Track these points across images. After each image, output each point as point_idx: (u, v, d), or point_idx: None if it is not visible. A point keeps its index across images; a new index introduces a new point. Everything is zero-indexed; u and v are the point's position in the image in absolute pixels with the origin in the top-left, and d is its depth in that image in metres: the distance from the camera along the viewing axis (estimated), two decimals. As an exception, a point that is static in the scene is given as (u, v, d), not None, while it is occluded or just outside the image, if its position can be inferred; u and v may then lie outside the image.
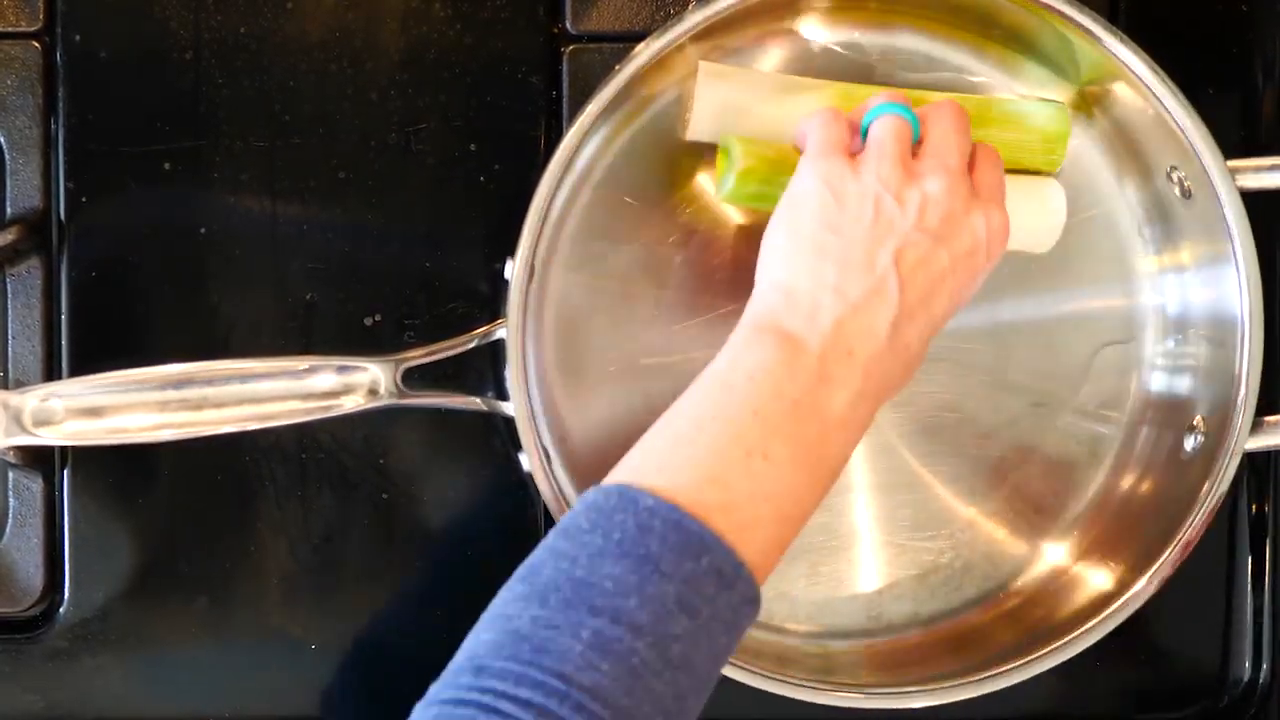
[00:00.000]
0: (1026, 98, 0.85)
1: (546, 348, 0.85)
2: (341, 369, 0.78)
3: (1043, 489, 0.87)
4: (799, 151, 0.79)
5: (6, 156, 0.86)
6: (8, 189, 0.86)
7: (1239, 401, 0.80)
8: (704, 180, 0.85)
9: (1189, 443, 0.83)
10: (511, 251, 0.79)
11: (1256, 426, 0.80)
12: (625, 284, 0.84)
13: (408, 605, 0.87)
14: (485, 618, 0.62)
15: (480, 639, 0.61)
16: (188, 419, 0.77)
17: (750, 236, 0.85)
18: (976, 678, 0.80)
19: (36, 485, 0.86)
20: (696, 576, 0.61)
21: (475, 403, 0.81)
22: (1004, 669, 0.80)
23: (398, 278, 0.87)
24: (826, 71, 0.85)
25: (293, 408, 0.78)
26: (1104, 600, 0.81)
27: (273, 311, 0.86)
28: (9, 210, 0.86)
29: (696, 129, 0.84)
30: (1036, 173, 0.84)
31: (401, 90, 0.87)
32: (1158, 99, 0.79)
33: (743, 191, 0.82)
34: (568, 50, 0.87)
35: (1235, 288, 0.80)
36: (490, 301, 0.87)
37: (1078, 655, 0.80)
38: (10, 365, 0.86)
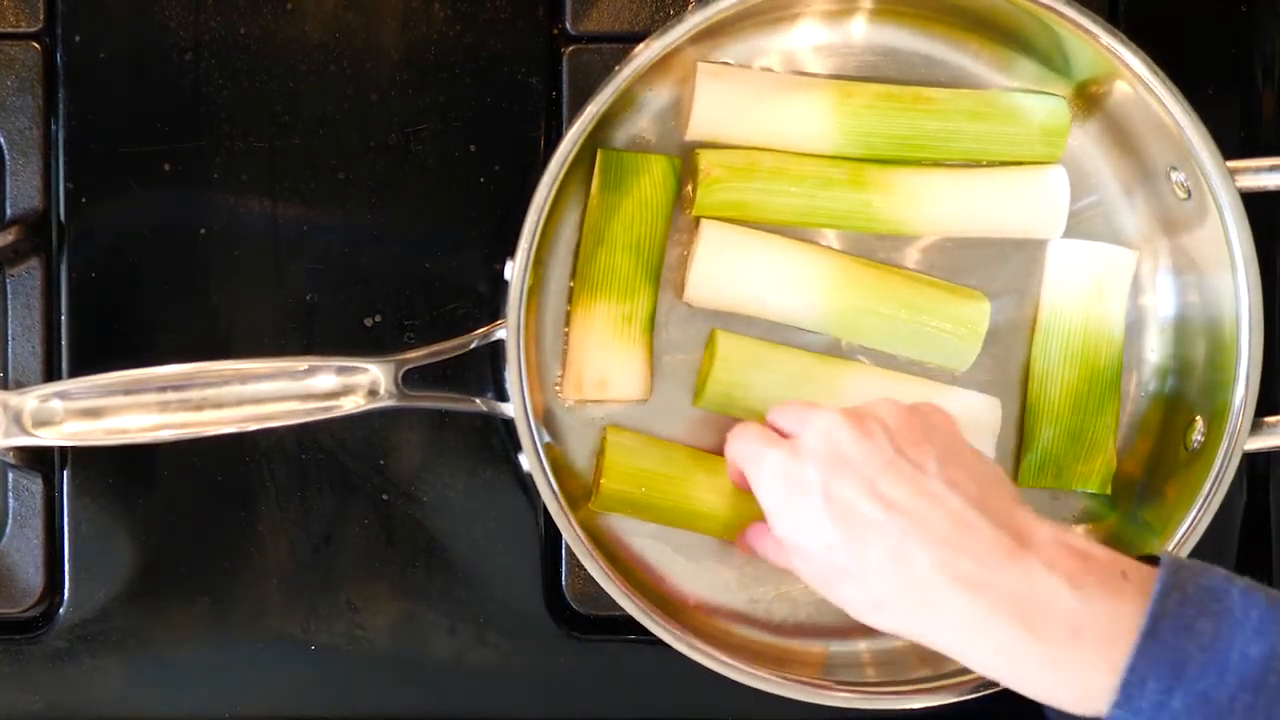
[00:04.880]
0: (1027, 91, 0.85)
1: (546, 348, 0.85)
2: (341, 370, 0.78)
3: (1043, 489, 0.87)
4: (773, 154, 0.80)
5: (6, 157, 0.86)
6: (8, 189, 0.86)
7: (1239, 402, 0.80)
8: (704, 180, 0.85)
9: (1189, 442, 0.83)
10: (511, 251, 0.79)
11: (1256, 427, 0.80)
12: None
13: (408, 605, 0.87)
14: None
15: None
16: (188, 419, 0.77)
17: (750, 237, 0.85)
18: (977, 678, 0.80)
19: (36, 486, 0.86)
20: None
21: (475, 404, 0.81)
22: (1004, 669, 0.80)
23: (398, 278, 0.87)
24: (825, 72, 0.86)
25: (293, 408, 0.78)
26: (1104, 600, 0.81)
27: (273, 312, 0.86)
28: (9, 210, 0.86)
29: (696, 129, 0.84)
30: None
31: (401, 90, 0.87)
32: (1157, 99, 0.79)
33: (708, 201, 0.83)
34: (567, 51, 0.87)
35: (1235, 288, 0.80)
36: (490, 301, 0.87)
37: (1077, 655, 0.80)
38: (10, 365, 0.86)
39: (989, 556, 0.68)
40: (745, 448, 0.77)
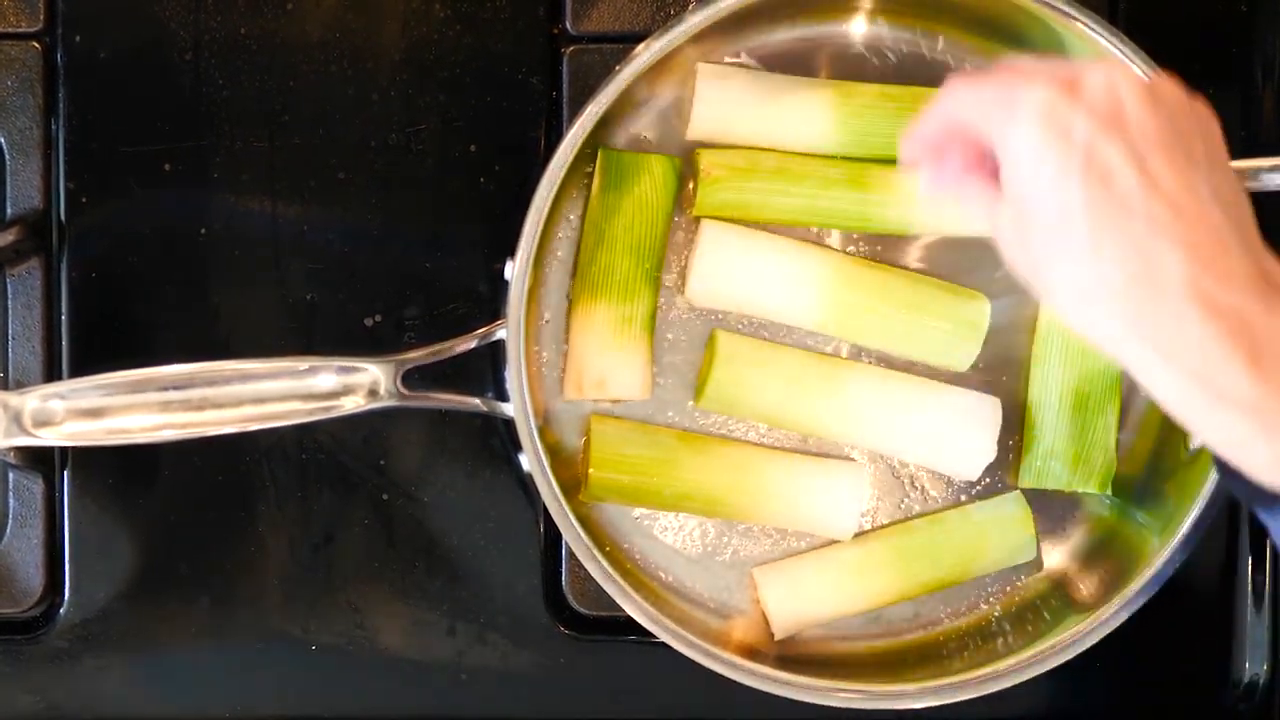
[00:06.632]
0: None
1: (546, 348, 0.85)
2: (342, 369, 0.78)
3: (1043, 489, 0.86)
4: (773, 154, 0.80)
5: (7, 157, 0.86)
6: (8, 189, 0.86)
7: (1239, 402, 0.80)
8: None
9: (1190, 443, 0.83)
10: (511, 251, 0.79)
11: (1256, 427, 0.80)
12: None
13: (408, 605, 0.87)
14: None
15: None
16: (188, 419, 0.78)
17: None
18: (976, 678, 0.80)
19: (37, 486, 0.86)
20: None
21: (475, 403, 0.81)
22: (1004, 669, 0.80)
23: (398, 278, 0.87)
24: (825, 72, 0.86)
25: (293, 408, 0.78)
26: (1104, 600, 0.81)
27: (273, 312, 0.86)
28: (9, 210, 0.86)
29: (696, 129, 0.84)
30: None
31: (401, 90, 0.87)
32: (1158, 99, 0.79)
33: (709, 201, 0.83)
34: (568, 51, 0.87)
35: (1235, 288, 0.80)
36: (490, 301, 0.87)
37: (1078, 655, 0.80)
38: (10, 365, 0.86)
39: (1232, 281, 0.60)
40: (996, 86, 0.64)
